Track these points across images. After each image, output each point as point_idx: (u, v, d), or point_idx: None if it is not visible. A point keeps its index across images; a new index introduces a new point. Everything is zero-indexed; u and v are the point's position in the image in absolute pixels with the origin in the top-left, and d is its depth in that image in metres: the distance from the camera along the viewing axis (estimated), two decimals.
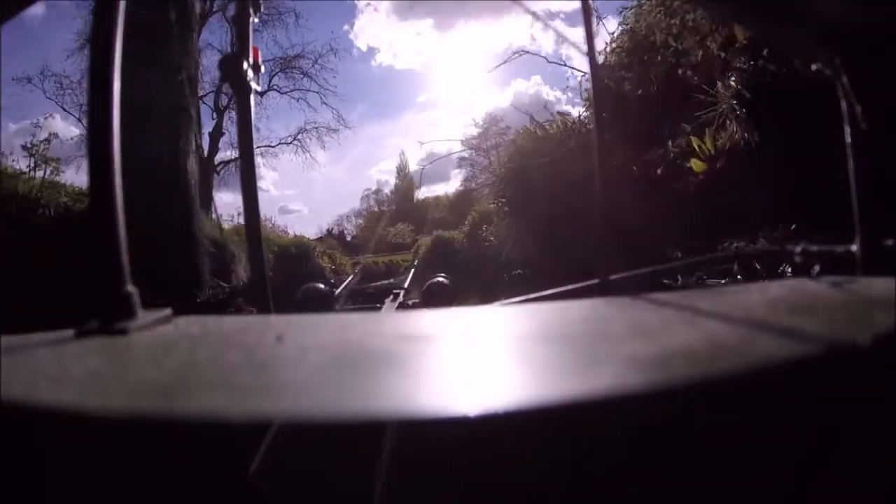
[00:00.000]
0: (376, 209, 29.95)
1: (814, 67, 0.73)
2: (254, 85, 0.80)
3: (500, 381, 0.33)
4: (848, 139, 0.70)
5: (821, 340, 0.36)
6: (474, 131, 25.54)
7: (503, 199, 7.45)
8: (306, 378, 0.35)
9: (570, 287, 0.82)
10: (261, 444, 0.27)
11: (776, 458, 0.31)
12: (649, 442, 0.29)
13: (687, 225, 3.80)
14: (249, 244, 0.83)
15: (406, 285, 3.45)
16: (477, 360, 0.39)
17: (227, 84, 0.78)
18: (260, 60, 0.83)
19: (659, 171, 4.53)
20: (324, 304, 2.36)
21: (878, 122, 0.66)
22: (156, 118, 5.11)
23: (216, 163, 18.32)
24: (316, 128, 20.50)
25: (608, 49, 6.22)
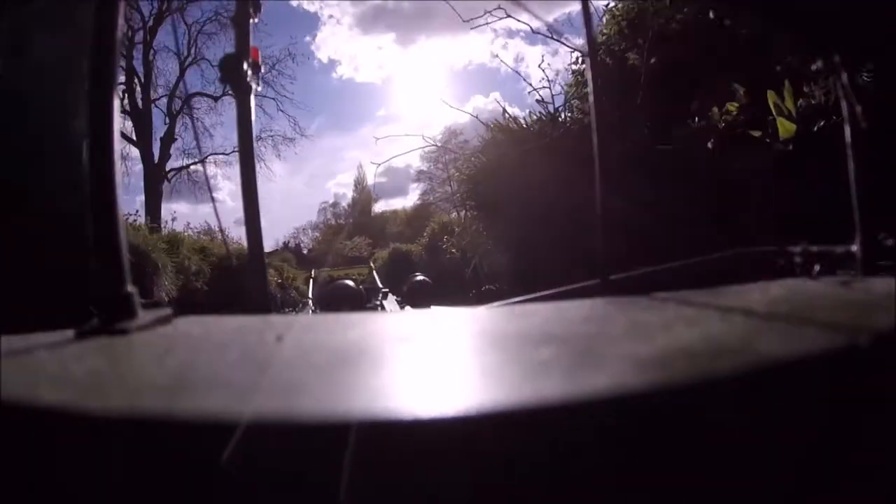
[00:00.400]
0: (333, 222, 29.83)
1: (814, 67, 0.73)
2: (253, 85, 0.80)
3: (501, 381, 0.33)
4: (848, 139, 0.70)
5: (821, 340, 0.36)
6: (429, 150, 25.62)
7: (471, 203, 6.43)
8: (306, 378, 0.35)
9: (570, 287, 0.82)
10: (260, 444, 0.27)
11: (776, 458, 0.31)
12: (648, 442, 0.29)
13: (761, 217, 2.69)
14: (250, 244, 0.83)
15: (380, 285, 3.53)
16: (477, 360, 0.39)
17: (227, 84, 0.78)
18: (259, 60, 0.83)
19: (710, 145, 3.27)
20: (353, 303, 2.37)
21: (878, 123, 0.66)
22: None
23: (167, 170, 17.77)
24: (272, 136, 19.82)
25: (603, 20, 5.32)
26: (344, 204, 30.29)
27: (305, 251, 27.92)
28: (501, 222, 5.42)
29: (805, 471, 0.33)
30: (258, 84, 0.81)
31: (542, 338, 0.44)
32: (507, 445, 0.27)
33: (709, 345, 0.37)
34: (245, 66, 0.78)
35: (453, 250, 8.27)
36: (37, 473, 0.30)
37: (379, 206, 28.69)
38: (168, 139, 17.83)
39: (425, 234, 12.56)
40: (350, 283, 2.55)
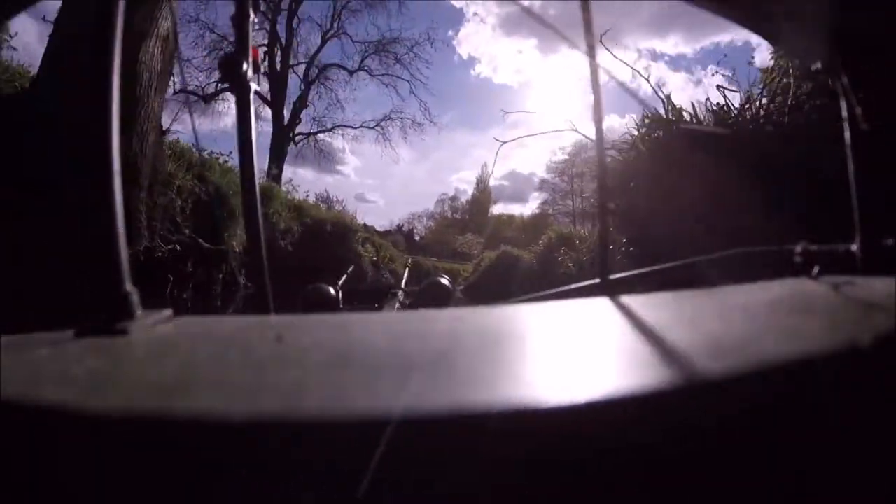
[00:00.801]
0: (449, 215, 29.91)
1: (814, 67, 0.73)
2: (253, 85, 0.80)
3: (500, 381, 0.33)
4: (848, 139, 0.70)
5: (821, 340, 0.36)
6: (557, 163, 25.43)
7: (612, 207, 5.11)
8: (306, 378, 0.35)
9: (570, 287, 0.82)
10: (260, 444, 0.27)
11: (776, 458, 0.31)
12: (648, 442, 0.29)
13: None
14: (249, 244, 0.83)
15: (403, 284, 3.41)
16: (477, 360, 0.39)
17: (229, 84, 0.78)
18: (259, 60, 0.83)
19: None
20: (327, 307, 2.33)
21: (878, 122, 0.66)
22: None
23: (294, 133, 18.15)
24: (401, 118, 20.13)
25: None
26: (463, 199, 30.46)
27: (417, 238, 27.98)
28: (652, 234, 4.49)
29: (805, 471, 0.33)
30: (258, 84, 0.81)
31: (541, 337, 0.44)
32: (507, 446, 0.27)
33: (709, 345, 0.37)
34: (245, 65, 0.78)
35: (570, 264, 7.79)
36: (36, 473, 0.30)
37: (497, 209, 28.82)
38: (300, 105, 18.04)
39: (540, 242, 11.71)
40: (444, 280, 2.46)
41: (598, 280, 0.71)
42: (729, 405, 0.31)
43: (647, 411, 0.29)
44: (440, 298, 2.38)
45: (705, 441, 0.30)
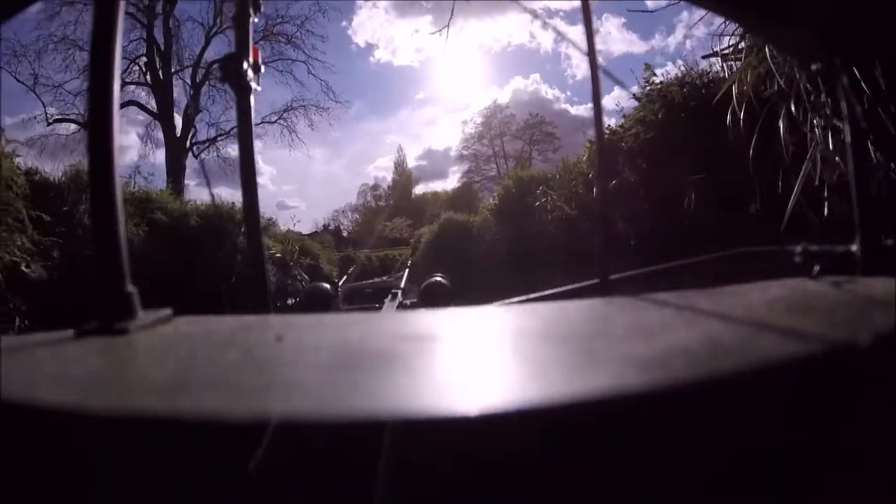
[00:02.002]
0: (373, 205, 29.67)
1: (814, 67, 0.73)
2: (254, 85, 0.80)
3: (501, 381, 0.33)
4: (848, 139, 0.70)
5: (821, 340, 0.36)
6: (473, 129, 25.27)
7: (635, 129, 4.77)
8: (306, 378, 0.35)
9: (570, 287, 0.82)
10: (260, 444, 0.27)
11: (776, 458, 0.31)
12: (648, 442, 0.29)
13: None
14: (249, 244, 0.83)
15: (402, 284, 3.38)
16: (477, 360, 0.39)
17: (229, 84, 0.78)
18: (260, 60, 0.83)
19: None
20: (325, 305, 2.33)
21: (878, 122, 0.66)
22: None
23: (191, 143, 16.34)
24: (304, 105, 18.10)
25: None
26: (384, 186, 30.09)
27: (345, 233, 27.75)
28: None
29: (805, 471, 0.33)
30: (258, 84, 0.81)
31: (541, 338, 0.44)
32: (507, 446, 0.27)
33: (709, 345, 0.37)
34: (245, 65, 0.78)
35: (554, 207, 6.10)
36: (37, 473, 0.30)
37: (419, 189, 28.51)
38: (193, 111, 16.39)
39: (494, 195, 9.51)
40: (443, 280, 2.43)
41: (597, 280, 0.71)
42: (729, 405, 0.31)
43: (647, 410, 0.29)
44: (441, 298, 2.38)
45: (706, 441, 0.30)
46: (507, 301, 0.78)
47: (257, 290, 0.77)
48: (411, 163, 29.93)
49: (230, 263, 7.01)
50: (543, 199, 6.74)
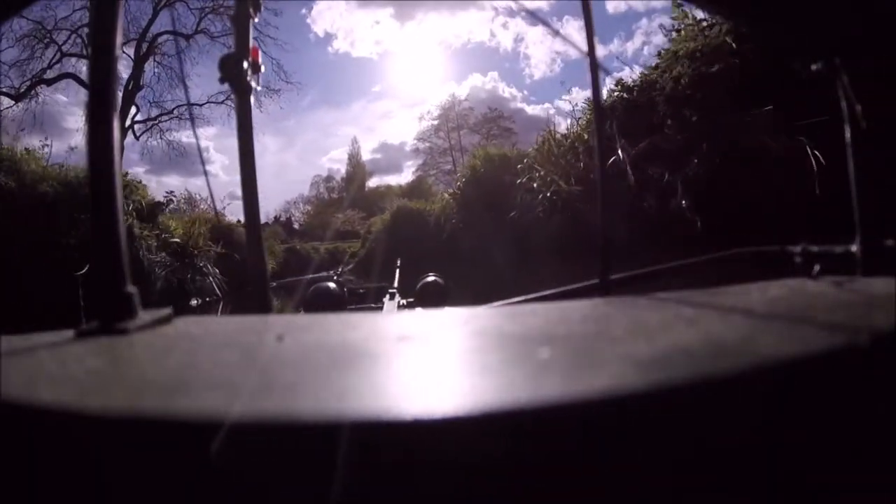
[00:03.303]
0: (326, 197, 29.22)
1: (814, 67, 0.73)
2: (253, 84, 0.80)
3: (501, 381, 0.33)
4: (848, 139, 0.70)
5: (821, 340, 0.36)
6: (430, 122, 24.98)
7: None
8: (306, 378, 0.35)
9: (570, 287, 0.82)
10: (260, 444, 0.27)
11: (776, 458, 0.31)
12: (648, 442, 0.29)
13: None
14: (249, 243, 0.83)
15: (396, 285, 3.36)
16: (477, 361, 0.39)
17: (229, 84, 0.78)
18: (259, 60, 0.83)
19: None
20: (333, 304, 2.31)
21: (878, 123, 0.66)
22: None
23: (131, 123, 15.21)
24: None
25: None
26: (338, 178, 29.70)
27: (296, 225, 27.47)
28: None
29: (805, 471, 0.33)
30: (258, 84, 0.81)
31: (541, 338, 0.44)
32: (507, 446, 0.27)
33: (709, 345, 0.37)
34: (245, 65, 0.78)
35: (545, 185, 5.16)
36: (36, 473, 0.30)
37: (373, 182, 28.27)
38: (133, 86, 15.18)
39: (458, 175, 7.91)
40: (440, 279, 2.39)
41: (597, 280, 0.71)
42: (729, 405, 0.31)
43: (647, 411, 0.29)
44: (437, 297, 2.38)
45: (706, 441, 0.30)
46: (506, 301, 0.78)
47: (257, 290, 0.77)
48: (366, 156, 29.63)
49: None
50: (527, 177, 5.83)
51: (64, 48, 15.15)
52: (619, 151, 4.58)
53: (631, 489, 0.29)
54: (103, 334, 0.49)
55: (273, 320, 0.62)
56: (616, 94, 5.47)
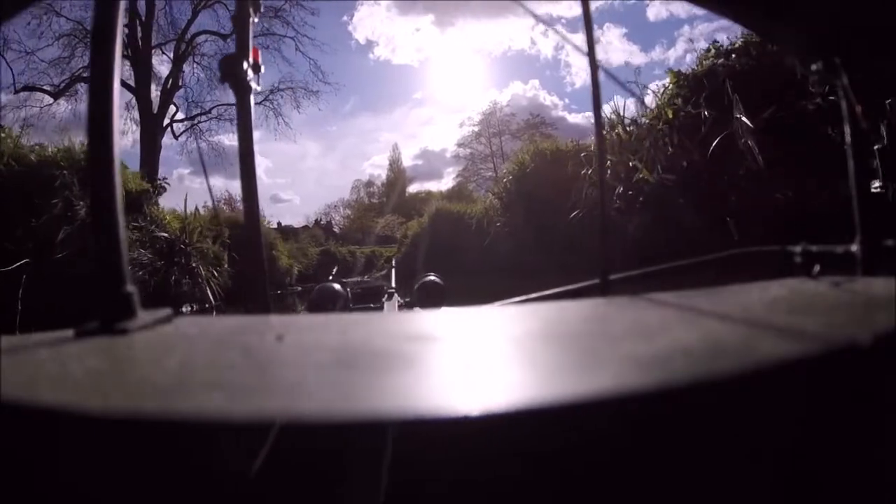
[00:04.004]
0: (366, 201, 29.51)
1: (814, 67, 0.73)
2: (254, 85, 0.80)
3: (501, 381, 0.33)
4: (848, 139, 0.70)
5: (821, 340, 0.36)
6: (471, 127, 25.05)
7: None
8: (306, 378, 0.35)
9: (570, 287, 0.82)
10: (262, 445, 0.27)
11: (776, 458, 0.31)
12: (649, 442, 0.29)
13: None
14: (249, 242, 0.83)
15: (393, 284, 3.36)
16: (477, 360, 0.39)
17: (229, 84, 0.78)
18: (260, 60, 0.83)
19: None
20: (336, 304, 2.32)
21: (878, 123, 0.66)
22: None
23: (169, 121, 15.01)
24: (291, 87, 17.04)
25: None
26: (378, 183, 29.84)
27: (336, 229, 27.63)
28: None
29: (806, 471, 0.33)
30: (259, 84, 0.81)
31: (541, 337, 0.44)
32: (508, 446, 0.27)
33: (709, 345, 0.37)
34: (245, 65, 0.78)
35: (626, 175, 4.21)
36: (36, 474, 0.30)
37: (413, 188, 28.44)
38: (172, 86, 15.15)
39: (502, 174, 6.71)
40: (438, 279, 2.39)
41: (597, 280, 0.71)
42: (729, 405, 0.31)
43: (647, 411, 0.29)
44: (434, 297, 2.40)
45: (706, 442, 0.30)
46: (506, 301, 0.78)
47: (257, 290, 0.77)
48: (407, 162, 29.93)
49: (49, 233, 4.26)
50: (587, 171, 4.65)
51: None
52: (738, 126, 3.54)
53: (631, 489, 0.29)
54: (103, 334, 0.48)
55: (273, 320, 0.62)
56: (711, 59, 4.89)
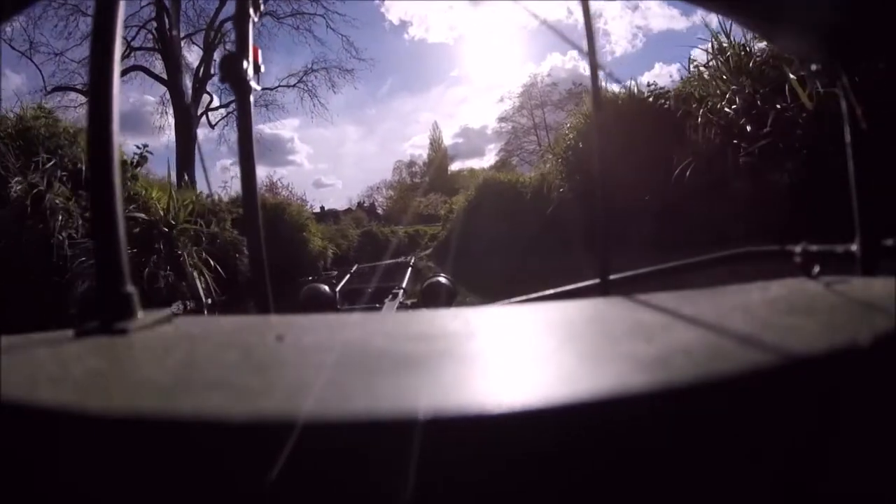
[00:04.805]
0: (409, 181, 29.37)
1: (814, 68, 0.73)
2: (254, 85, 0.80)
3: (500, 382, 0.33)
4: (848, 139, 0.70)
5: (821, 340, 0.36)
6: (512, 100, 24.46)
7: None
8: (307, 378, 0.35)
9: (570, 287, 0.82)
10: (265, 446, 0.27)
11: (776, 458, 0.31)
12: (648, 442, 0.29)
13: None
14: (249, 242, 0.83)
15: (404, 285, 3.33)
16: (477, 361, 0.39)
17: (228, 84, 0.78)
18: (260, 60, 0.83)
19: None
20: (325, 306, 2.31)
21: (878, 123, 0.66)
22: None
23: (208, 108, 14.84)
24: (325, 68, 16.61)
25: None
26: (420, 163, 29.74)
27: (379, 210, 27.55)
28: None
29: (805, 472, 0.33)
30: (259, 84, 0.81)
31: (541, 338, 0.44)
32: (508, 446, 0.27)
33: (709, 345, 0.37)
34: (245, 65, 0.78)
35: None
36: (36, 474, 0.30)
37: (455, 167, 28.31)
38: (204, 74, 14.88)
39: (566, 130, 5.56)
40: (445, 280, 2.30)
41: (597, 280, 0.71)
42: (728, 405, 0.31)
43: (647, 411, 0.29)
44: (442, 298, 2.38)
45: (706, 442, 0.30)
46: (506, 301, 0.78)
47: (257, 290, 0.77)
48: (447, 140, 29.77)
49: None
50: (707, 105, 3.31)
51: (133, 44, 15.12)
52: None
53: (631, 489, 0.29)
54: (103, 334, 0.48)
55: (273, 320, 0.62)
56: None
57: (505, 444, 0.27)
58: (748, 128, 3.60)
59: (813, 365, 0.33)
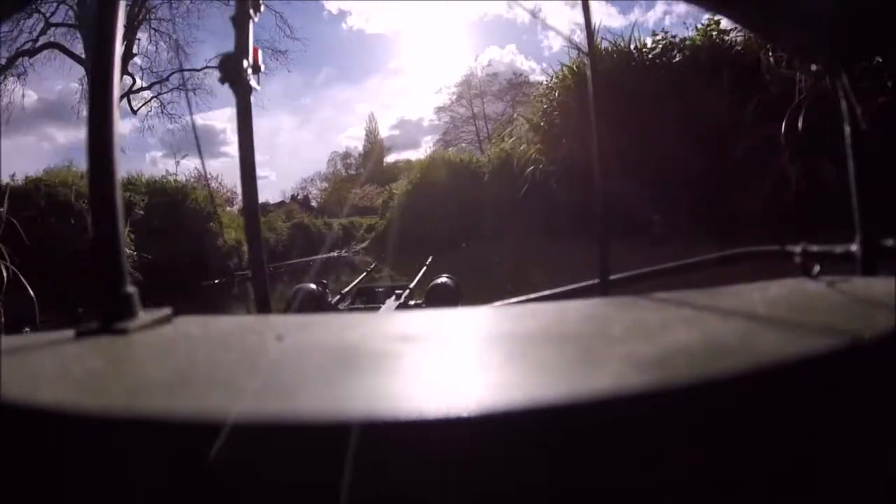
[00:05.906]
0: (344, 173, 29.09)
1: (814, 67, 0.73)
2: (254, 85, 0.80)
3: (500, 382, 0.33)
4: (848, 139, 0.70)
5: (821, 340, 0.36)
6: (451, 90, 24.27)
7: None
8: (306, 378, 0.35)
9: (570, 287, 0.82)
10: (265, 445, 0.27)
11: (775, 458, 0.31)
12: (648, 442, 0.29)
13: None
14: (249, 241, 0.83)
15: (413, 285, 3.29)
16: (476, 361, 0.39)
17: (229, 84, 0.78)
18: (260, 60, 0.83)
19: None
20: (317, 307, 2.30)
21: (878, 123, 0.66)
22: None
23: (131, 90, 13.82)
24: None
25: None
26: (355, 155, 29.37)
27: (313, 203, 27.28)
28: None
29: (805, 471, 0.33)
30: (258, 84, 0.81)
31: (541, 338, 0.44)
32: (508, 446, 0.27)
33: (709, 345, 0.37)
34: (245, 65, 0.78)
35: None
36: (36, 474, 0.30)
37: (391, 158, 28.05)
38: (125, 52, 13.08)
39: (545, 86, 4.84)
40: (450, 281, 2.25)
41: (597, 280, 0.71)
42: (728, 405, 0.31)
43: (647, 411, 0.29)
44: (447, 299, 2.38)
45: (706, 442, 0.30)
46: (505, 301, 0.78)
47: (257, 291, 0.77)
48: (384, 132, 29.46)
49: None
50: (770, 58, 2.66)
51: (52, 19, 14.23)
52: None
53: (631, 489, 0.29)
54: (103, 334, 0.49)
55: (273, 320, 0.62)
56: None
57: (502, 444, 0.27)
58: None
59: (813, 365, 0.33)
